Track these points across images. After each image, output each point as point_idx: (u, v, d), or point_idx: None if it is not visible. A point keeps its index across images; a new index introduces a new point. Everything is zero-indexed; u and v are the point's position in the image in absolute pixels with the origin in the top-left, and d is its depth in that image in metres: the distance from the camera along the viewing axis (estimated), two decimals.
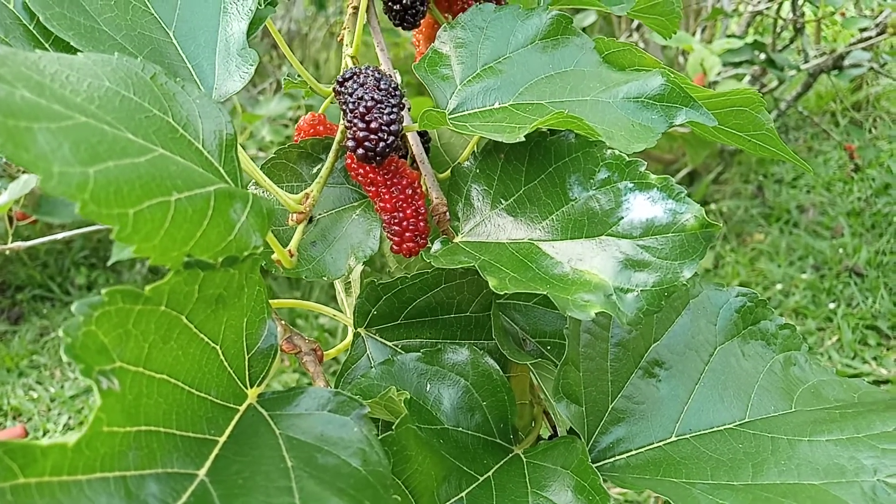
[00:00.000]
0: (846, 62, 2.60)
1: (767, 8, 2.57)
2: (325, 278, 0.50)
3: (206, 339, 0.34)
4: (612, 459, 0.51)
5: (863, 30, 2.62)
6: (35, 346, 2.68)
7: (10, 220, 2.00)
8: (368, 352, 0.54)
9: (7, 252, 1.62)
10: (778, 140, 0.60)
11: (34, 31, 0.42)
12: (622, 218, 0.44)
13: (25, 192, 2.06)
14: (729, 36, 2.39)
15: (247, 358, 0.39)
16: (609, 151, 0.44)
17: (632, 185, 0.44)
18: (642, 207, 0.44)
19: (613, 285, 0.43)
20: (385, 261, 0.68)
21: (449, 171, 0.57)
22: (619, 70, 0.53)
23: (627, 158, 0.44)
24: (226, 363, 0.37)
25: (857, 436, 0.51)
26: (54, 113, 0.26)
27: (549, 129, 0.47)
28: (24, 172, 2.45)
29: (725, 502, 0.45)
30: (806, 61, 2.63)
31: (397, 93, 0.50)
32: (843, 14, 2.76)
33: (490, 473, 0.51)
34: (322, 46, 3.61)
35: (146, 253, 0.27)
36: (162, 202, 0.28)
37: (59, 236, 1.43)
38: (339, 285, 0.64)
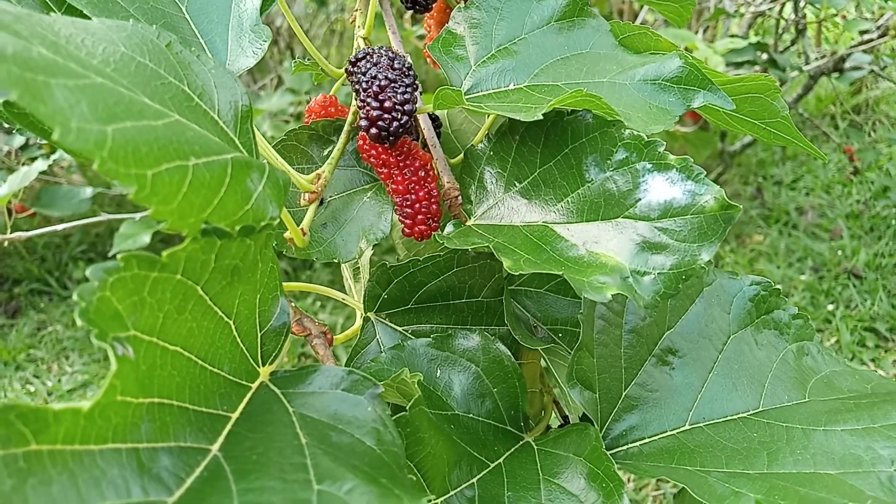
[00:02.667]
0: (847, 64, 2.60)
1: (770, 9, 2.57)
2: (336, 260, 0.50)
3: (221, 314, 0.34)
4: (625, 447, 0.51)
5: (863, 32, 2.62)
6: (32, 339, 2.66)
7: (10, 212, 1.99)
8: (378, 337, 0.53)
9: (5, 244, 1.61)
10: (793, 128, 0.59)
11: (48, 0, 0.41)
12: (640, 199, 0.44)
13: (24, 185, 2.05)
14: (731, 36, 2.39)
15: (259, 335, 0.38)
16: (627, 131, 0.44)
17: (650, 165, 0.43)
18: (661, 189, 0.43)
19: (630, 268, 0.43)
20: (393, 246, 0.67)
21: (460, 156, 0.56)
22: (636, 53, 0.52)
23: (646, 138, 0.43)
24: (238, 339, 0.36)
25: (872, 426, 0.50)
26: (70, 70, 0.26)
27: (566, 109, 0.46)
28: (23, 164, 2.42)
29: (742, 490, 0.44)
30: (807, 63, 2.63)
31: (411, 73, 0.49)
32: (844, 17, 2.76)
33: (501, 460, 0.50)
34: (322, 43, 3.60)
35: (164, 216, 0.27)
36: (180, 166, 0.27)
37: (60, 227, 1.41)
38: (346, 271, 0.64)
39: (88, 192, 2.28)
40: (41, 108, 0.22)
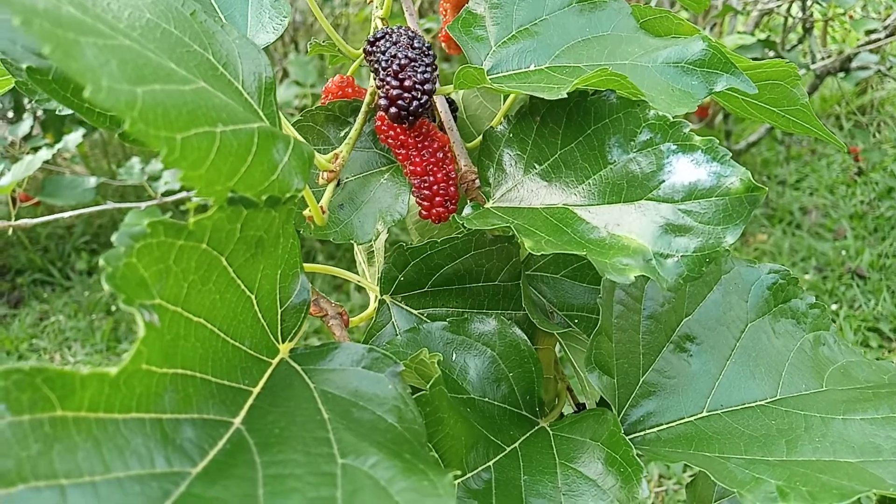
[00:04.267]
0: (853, 64, 2.60)
1: (778, 6, 2.56)
2: (353, 241, 0.49)
3: (243, 287, 0.33)
4: (642, 433, 0.50)
5: (870, 32, 2.61)
6: (35, 329, 2.66)
7: (14, 201, 1.99)
8: (393, 319, 0.53)
9: (9, 233, 1.60)
10: (812, 116, 0.58)
11: None
12: (663, 181, 0.43)
13: (28, 174, 2.05)
14: (739, 33, 2.38)
15: (280, 311, 0.38)
16: (652, 112, 0.43)
17: (675, 146, 0.43)
18: (685, 170, 0.42)
19: (653, 250, 0.42)
20: (401, 235, 0.67)
21: (477, 140, 0.56)
22: (657, 37, 0.51)
23: (671, 119, 0.42)
24: (260, 315, 0.35)
25: (892, 415, 0.50)
26: (99, 31, 0.25)
27: (589, 90, 0.46)
28: (27, 153, 2.42)
29: (763, 476, 0.44)
30: (813, 62, 2.63)
31: (430, 52, 0.49)
32: (851, 16, 2.76)
33: (517, 444, 0.50)
34: (328, 37, 3.59)
35: (193, 182, 0.26)
36: (208, 132, 0.27)
37: (64, 215, 1.41)
38: (360, 255, 0.63)
39: (92, 181, 2.28)
40: (73, 64, 0.22)
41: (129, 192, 2.92)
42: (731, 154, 0.42)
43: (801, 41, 2.75)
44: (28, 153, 2.36)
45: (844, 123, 3.53)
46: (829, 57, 2.64)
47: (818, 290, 2.54)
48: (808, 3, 2.51)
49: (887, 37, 2.50)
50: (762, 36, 2.40)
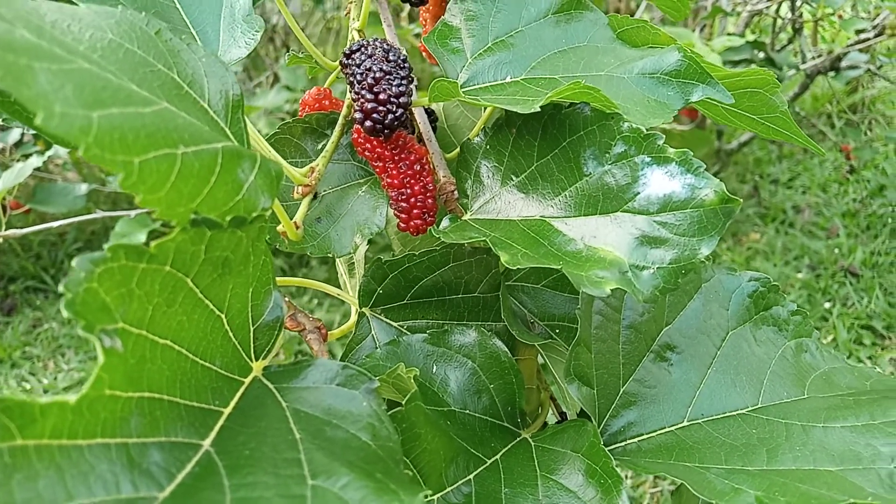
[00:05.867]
0: (843, 63, 2.61)
1: (767, 7, 2.57)
2: (330, 254, 0.49)
3: (212, 306, 0.33)
4: (623, 443, 0.50)
5: (860, 31, 2.62)
6: (28, 337, 2.65)
7: (4, 209, 1.98)
8: (373, 332, 0.53)
9: (0, 241, 1.60)
10: (792, 123, 0.59)
11: None
12: (638, 193, 0.43)
13: (19, 182, 2.04)
14: (728, 34, 2.39)
15: (252, 329, 0.37)
16: (626, 125, 0.43)
17: (649, 159, 0.43)
18: (660, 182, 0.43)
19: (629, 262, 0.42)
20: (389, 245, 0.67)
21: (456, 150, 0.56)
22: (634, 47, 0.51)
23: (645, 131, 0.42)
24: (231, 333, 0.35)
25: (872, 423, 0.50)
26: (55, 55, 0.25)
27: (563, 103, 0.46)
28: (18, 161, 2.41)
29: (742, 487, 0.44)
30: (803, 62, 2.63)
31: (406, 65, 0.49)
32: (840, 16, 2.77)
33: (498, 457, 0.50)
34: (319, 41, 3.59)
35: (152, 205, 0.26)
36: (168, 154, 0.27)
37: (55, 224, 1.40)
38: (342, 267, 0.63)
39: (83, 188, 2.27)
40: (24, 91, 0.22)
41: (121, 199, 2.91)
42: (705, 166, 0.42)
43: (790, 41, 2.76)
44: (19, 160, 2.35)
45: (836, 122, 3.54)
46: (819, 56, 2.65)
47: (811, 288, 2.55)
48: (798, 3, 2.51)
49: (876, 36, 2.51)
50: (752, 37, 2.40)
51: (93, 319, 0.26)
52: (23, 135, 2.74)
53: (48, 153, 2.26)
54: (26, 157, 2.38)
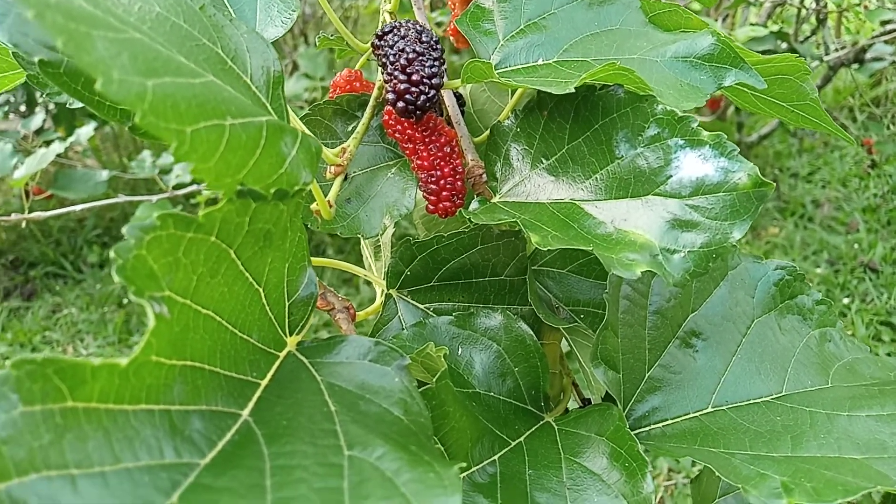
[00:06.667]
0: (868, 55, 2.57)
1: None
2: (360, 235, 0.49)
3: (251, 279, 0.33)
4: (647, 428, 0.50)
5: (885, 22, 2.58)
6: (48, 322, 2.69)
7: (27, 194, 2.00)
8: (400, 314, 0.53)
9: (22, 226, 1.62)
10: (822, 111, 0.58)
11: None
12: (671, 176, 0.43)
13: (41, 168, 2.06)
14: (752, 25, 2.36)
15: (287, 305, 0.38)
16: (660, 107, 0.43)
17: (682, 142, 0.43)
18: (693, 165, 0.42)
19: (660, 245, 0.42)
20: (407, 231, 0.67)
21: (485, 135, 0.56)
22: (666, 31, 0.51)
23: (680, 114, 0.42)
24: (267, 307, 0.36)
25: None
26: (110, 24, 0.26)
27: (597, 85, 0.46)
28: (39, 147, 2.44)
29: (768, 472, 0.44)
30: (827, 53, 2.60)
31: (438, 46, 0.49)
32: (866, 6, 2.72)
33: (522, 439, 0.50)
34: (336, 30, 3.59)
35: (202, 175, 0.26)
36: (217, 125, 0.27)
37: (77, 208, 1.42)
38: (367, 250, 0.63)
39: (104, 174, 2.30)
40: (85, 57, 0.22)
41: (140, 185, 2.94)
42: (738, 149, 0.42)
43: (814, 32, 2.72)
44: (40, 147, 2.38)
45: (858, 115, 3.49)
46: (843, 48, 2.61)
47: (830, 283, 2.52)
48: None
49: None
50: (775, 28, 2.37)
51: (142, 286, 0.26)
52: (44, 121, 2.76)
53: (69, 139, 2.29)
54: (48, 143, 2.41)
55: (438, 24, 2.03)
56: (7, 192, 3.05)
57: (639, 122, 0.44)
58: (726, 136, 0.42)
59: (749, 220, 0.42)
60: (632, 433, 0.46)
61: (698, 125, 0.42)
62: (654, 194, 0.44)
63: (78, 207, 1.54)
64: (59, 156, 2.69)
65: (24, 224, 1.55)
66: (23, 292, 2.87)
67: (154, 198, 1.65)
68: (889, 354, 2.21)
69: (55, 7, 0.22)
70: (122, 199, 1.59)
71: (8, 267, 2.97)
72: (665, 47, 0.48)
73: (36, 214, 1.51)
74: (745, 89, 0.57)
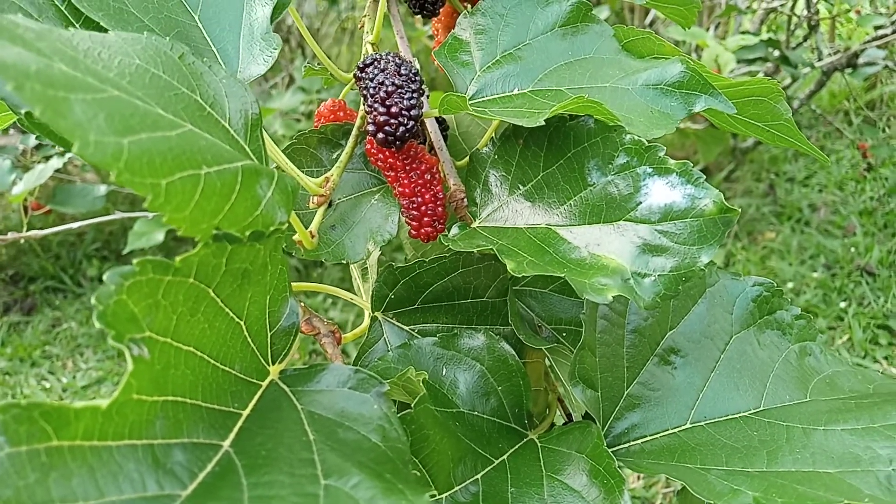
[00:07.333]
0: (860, 60, 2.59)
1: (782, 5, 2.55)
2: (344, 261, 0.51)
3: (232, 314, 0.35)
4: (626, 445, 0.52)
5: (878, 27, 2.60)
6: (48, 336, 2.70)
7: (25, 209, 2.02)
8: (385, 336, 0.54)
9: (21, 241, 1.64)
10: (796, 131, 0.59)
11: (65, 12, 0.42)
12: (640, 203, 0.45)
13: (40, 183, 2.08)
14: (743, 33, 2.38)
15: (269, 335, 0.39)
16: (628, 136, 0.44)
17: (651, 169, 0.44)
18: (661, 192, 0.44)
19: (631, 270, 0.43)
20: (401, 245, 0.69)
21: (467, 158, 0.57)
22: (639, 58, 0.53)
23: (647, 143, 0.44)
24: (249, 339, 0.37)
25: (872, 426, 0.51)
26: (89, 85, 0.27)
27: (568, 115, 0.47)
28: (38, 162, 2.46)
29: (741, 488, 0.45)
30: (819, 59, 2.62)
31: (417, 78, 0.50)
32: (858, 12, 2.74)
33: (505, 457, 0.51)
34: (333, 42, 3.62)
35: (177, 223, 0.28)
36: (192, 175, 0.29)
37: (75, 225, 1.44)
38: (355, 271, 0.65)
39: (102, 189, 2.32)
40: (61, 122, 0.24)
41: (138, 200, 2.96)
42: (704, 177, 0.43)
43: (806, 38, 2.74)
44: (39, 162, 2.40)
45: (853, 119, 3.51)
46: (836, 53, 2.63)
47: (827, 287, 2.53)
48: (813, 0, 2.50)
49: (894, 32, 2.49)
50: (767, 35, 2.39)
51: (122, 329, 0.28)
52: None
53: (68, 154, 2.31)
54: (47, 158, 2.43)
55: (431, 38, 2.05)
56: (6, 208, 3.07)
57: (608, 151, 0.45)
58: (692, 165, 0.44)
59: (716, 244, 0.43)
60: (609, 451, 0.47)
61: (665, 154, 0.44)
62: (625, 220, 0.45)
63: (76, 225, 1.56)
64: (57, 171, 2.71)
65: (22, 239, 1.57)
66: (22, 307, 2.89)
67: (151, 214, 1.67)
68: (886, 357, 2.22)
69: (34, 76, 0.24)
70: (119, 215, 1.60)
71: (7, 282, 2.99)
72: (637, 75, 0.50)
73: (34, 232, 1.53)
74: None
